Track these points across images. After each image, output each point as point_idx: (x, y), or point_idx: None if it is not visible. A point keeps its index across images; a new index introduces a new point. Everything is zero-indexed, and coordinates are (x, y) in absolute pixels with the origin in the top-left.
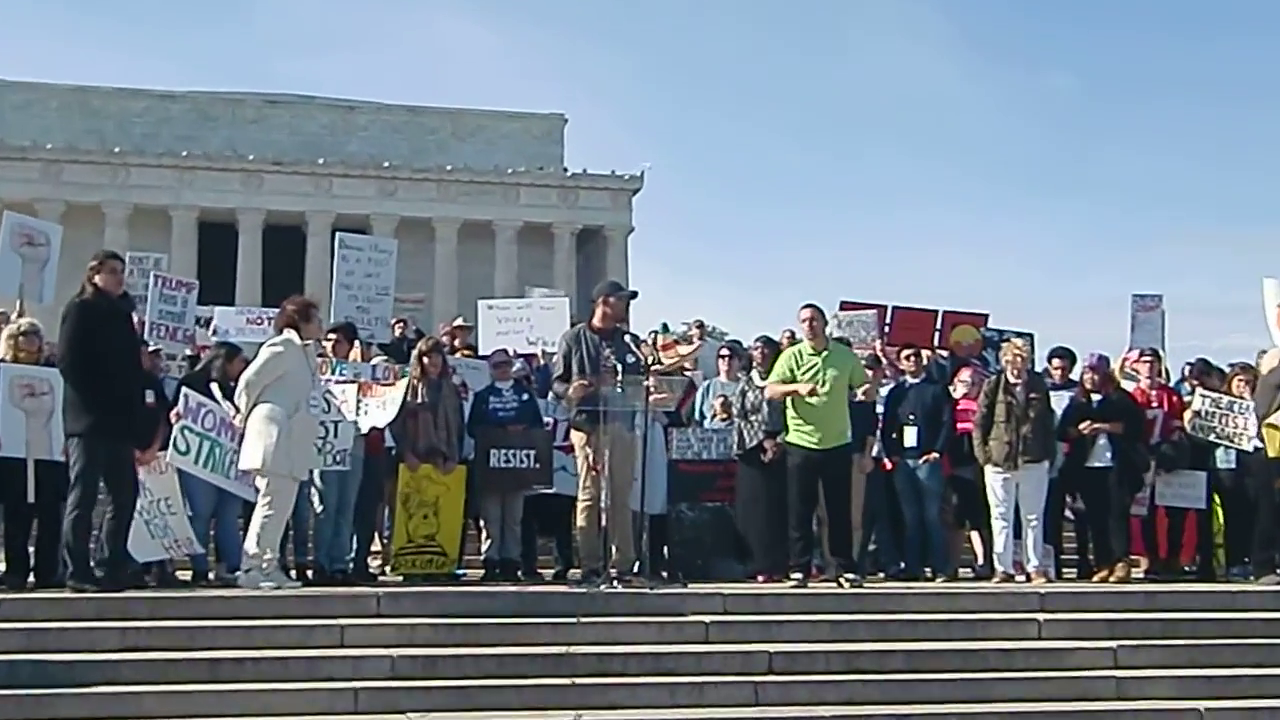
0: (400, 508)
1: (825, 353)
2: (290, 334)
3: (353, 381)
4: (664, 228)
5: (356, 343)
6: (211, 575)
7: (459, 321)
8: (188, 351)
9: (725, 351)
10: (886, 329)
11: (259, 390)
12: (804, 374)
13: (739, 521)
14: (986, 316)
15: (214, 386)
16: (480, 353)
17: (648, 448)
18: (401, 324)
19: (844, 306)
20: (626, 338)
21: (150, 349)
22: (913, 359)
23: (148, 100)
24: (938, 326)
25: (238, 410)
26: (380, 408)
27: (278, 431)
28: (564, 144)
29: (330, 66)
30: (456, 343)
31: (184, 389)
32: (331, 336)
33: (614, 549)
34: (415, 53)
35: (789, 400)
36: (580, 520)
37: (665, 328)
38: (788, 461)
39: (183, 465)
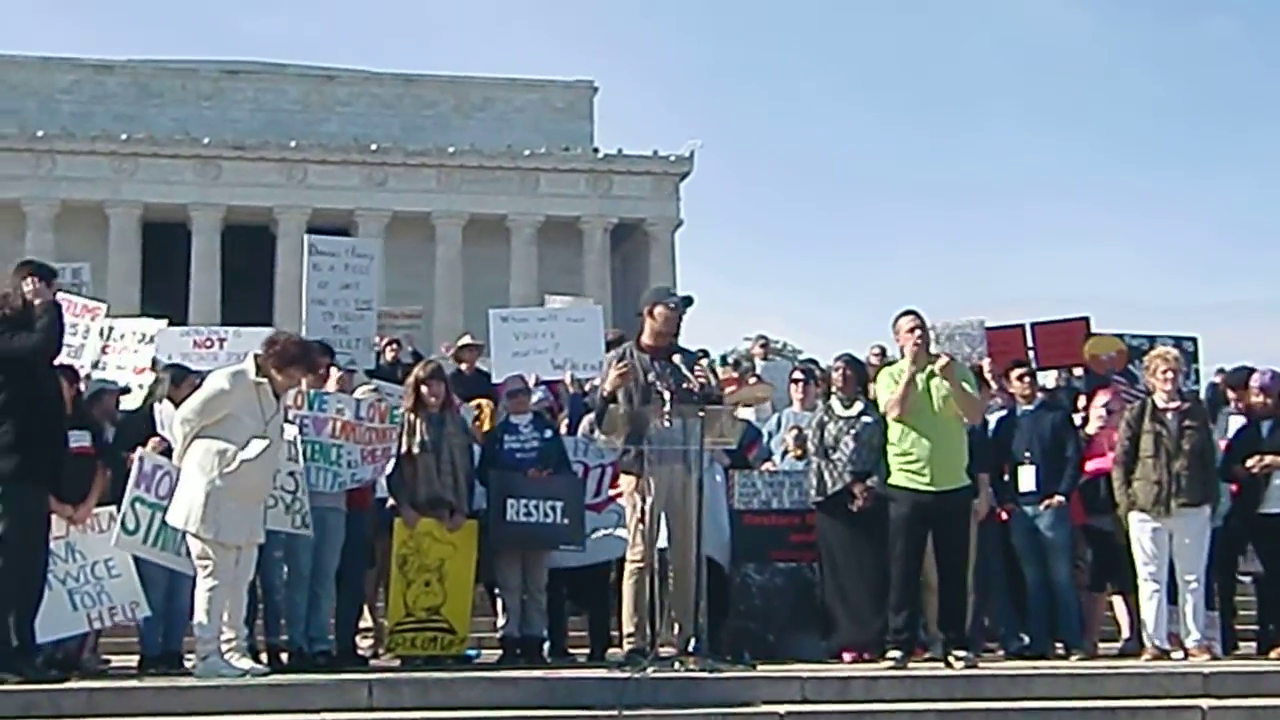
0: (396, 573)
1: (931, 371)
2: (248, 365)
3: (332, 418)
4: (718, 222)
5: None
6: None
7: (465, 340)
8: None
9: (799, 374)
10: (1031, 350)
11: (197, 428)
12: (917, 401)
13: (820, 586)
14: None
15: (159, 416)
16: (493, 379)
17: (704, 494)
18: (394, 345)
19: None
20: (679, 359)
21: (95, 387)
22: (1025, 379)
23: (78, 72)
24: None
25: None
26: (366, 458)
27: (207, 485)
28: (594, 119)
29: (304, 27)
30: (463, 366)
31: (139, 451)
32: None
33: (667, 622)
34: (408, 9)
35: (894, 429)
36: (627, 585)
37: (723, 360)
38: (891, 510)
39: (130, 548)
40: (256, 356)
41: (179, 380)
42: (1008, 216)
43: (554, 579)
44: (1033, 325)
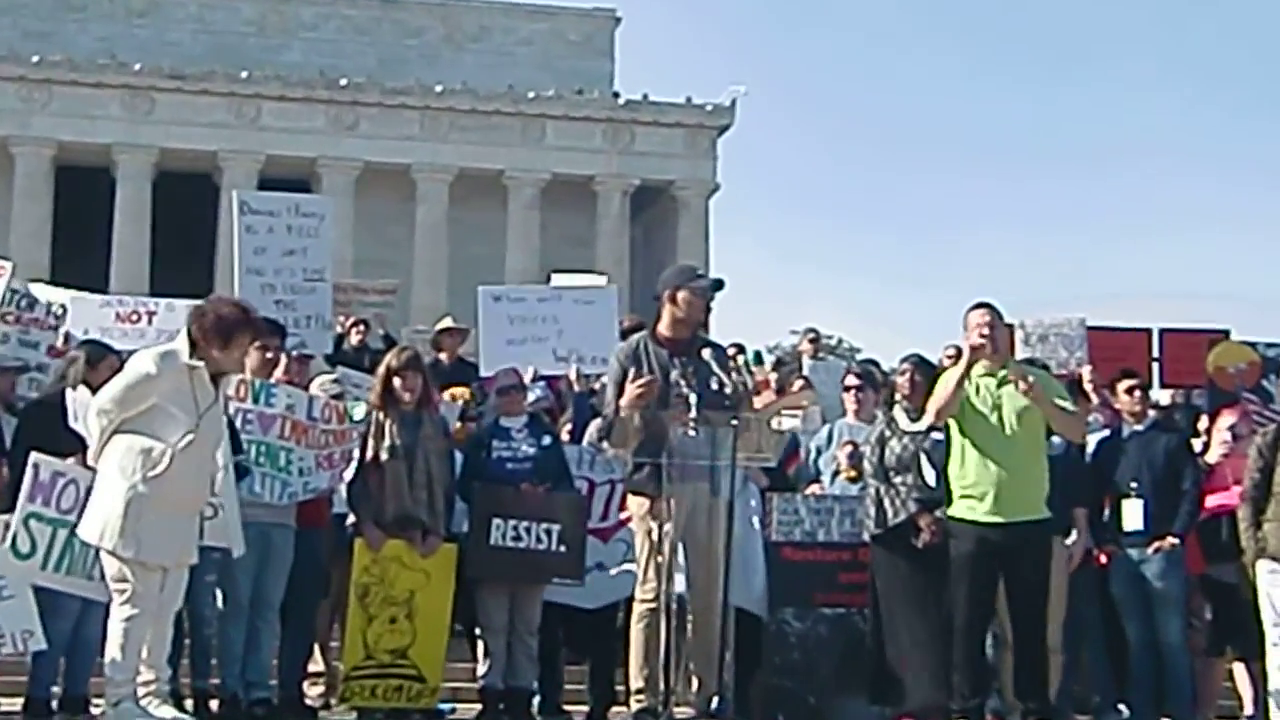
0: (356, 606)
1: (1004, 375)
2: (180, 346)
3: (281, 415)
4: (762, 188)
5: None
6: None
7: (446, 322)
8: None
9: (853, 380)
10: (1155, 362)
11: (117, 421)
12: (979, 409)
13: (875, 638)
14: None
15: (71, 405)
16: (482, 372)
17: (734, 522)
18: (362, 326)
19: (1092, 331)
20: (707, 353)
21: None
22: (1135, 393)
23: None
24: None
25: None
26: (321, 464)
27: (128, 491)
28: (615, 57)
29: None
30: (443, 355)
31: (33, 456)
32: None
33: (684, 677)
34: None
35: (954, 447)
36: (635, 631)
37: (757, 357)
38: (952, 548)
39: (25, 576)
40: (190, 333)
41: (95, 361)
42: (1118, 191)
43: (549, 619)
44: (1162, 332)
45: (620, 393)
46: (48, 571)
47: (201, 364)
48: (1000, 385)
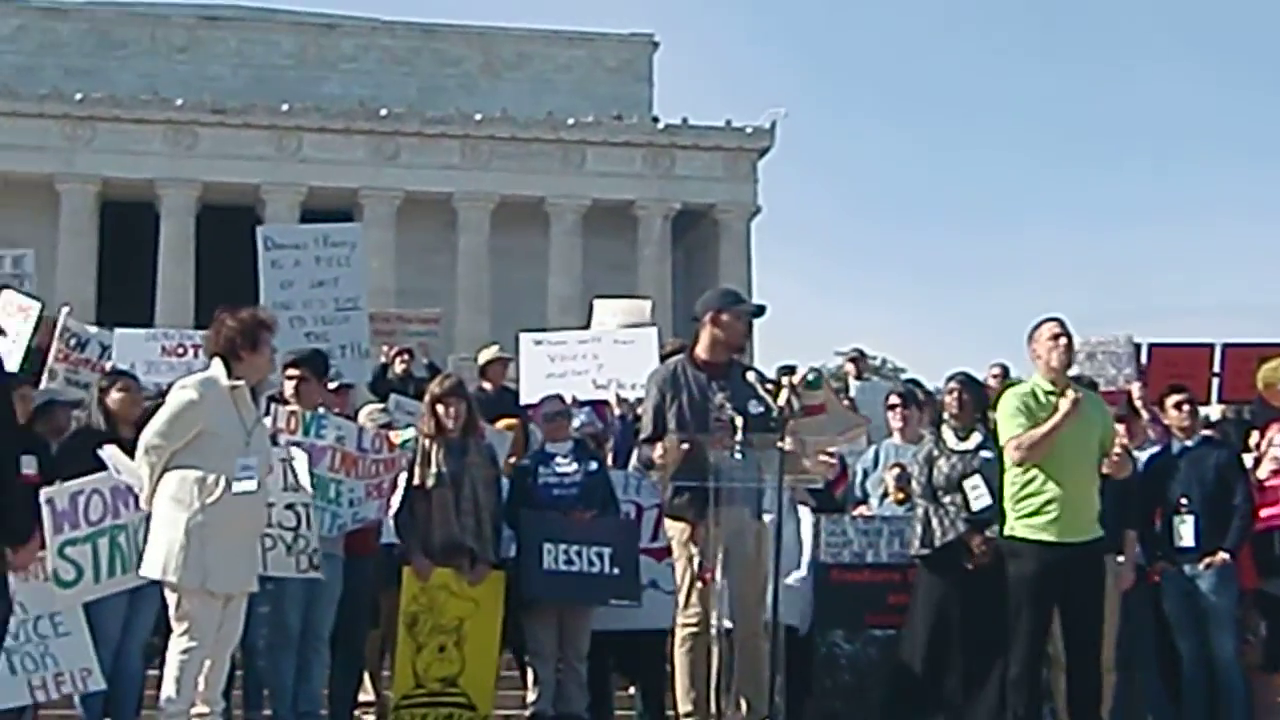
0: (405, 635)
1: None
2: (216, 370)
3: (332, 447)
4: (804, 212)
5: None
6: None
7: (492, 352)
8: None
9: (896, 398)
10: (1216, 378)
11: (167, 456)
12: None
13: (922, 659)
14: None
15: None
16: (524, 400)
17: (783, 544)
18: (406, 355)
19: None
20: (749, 376)
21: (43, 398)
22: (1184, 408)
23: (23, 15)
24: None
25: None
26: (370, 493)
27: (188, 522)
28: (653, 82)
29: None
30: (487, 385)
31: (43, 493)
32: (293, 374)
33: (734, 700)
34: None
35: (1012, 468)
36: (680, 656)
37: (816, 379)
38: (1011, 568)
39: (77, 600)
40: (218, 352)
41: (125, 388)
42: (1170, 187)
43: (598, 644)
44: (1225, 346)
45: (657, 418)
46: (101, 583)
47: (242, 382)
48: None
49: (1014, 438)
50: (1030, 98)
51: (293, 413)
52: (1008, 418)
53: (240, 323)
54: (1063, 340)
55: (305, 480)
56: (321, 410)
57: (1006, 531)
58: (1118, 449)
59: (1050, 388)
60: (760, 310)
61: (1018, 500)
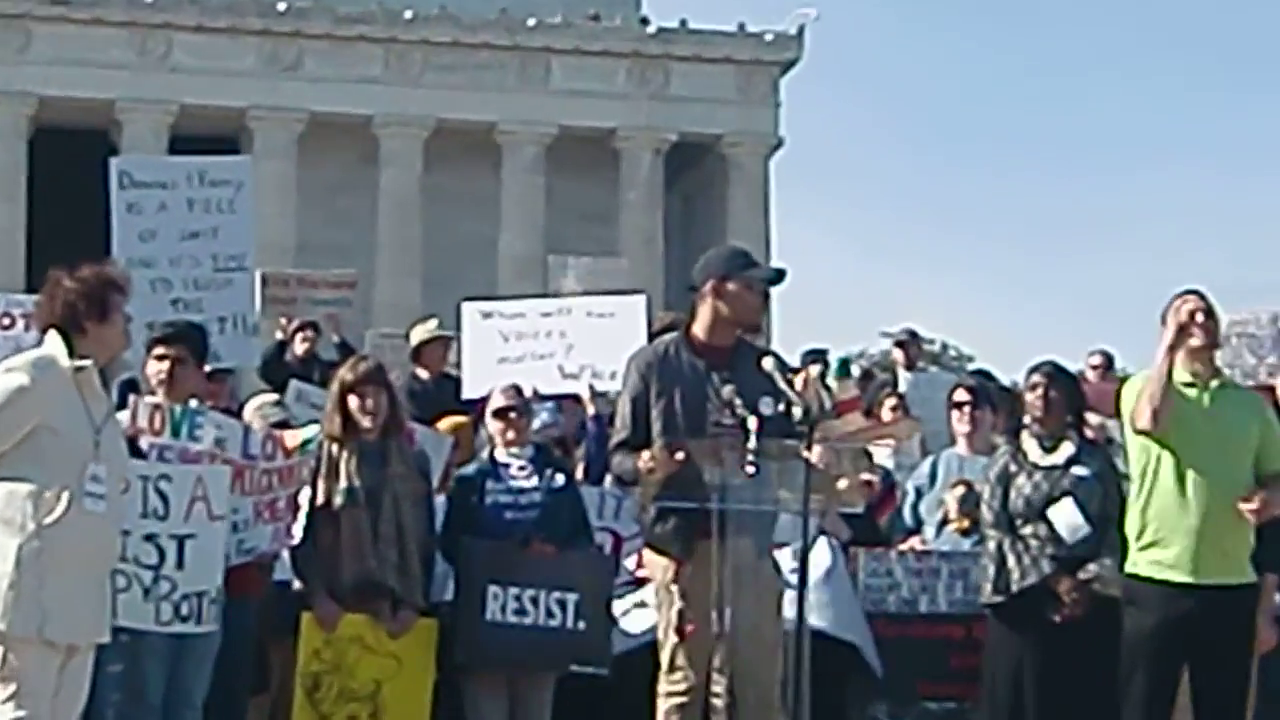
0: (303, 702)
1: (1216, 387)
2: (53, 347)
3: (209, 452)
4: (839, 147)
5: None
6: None
7: (430, 328)
8: None
9: (964, 395)
10: None
11: None
12: (1181, 429)
13: None
14: None
15: None
16: (464, 394)
17: (807, 587)
18: (310, 331)
19: None
20: (767, 363)
21: None
22: None
23: None
24: None
25: None
26: (262, 514)
27: (19, 548)
28: None
29: None
30: (423, 371)
31: None
32: (162, 354)
33: None
34: None
35: (1136, 481)
36: None
37: (843, 368)
38: (1127, 619)
39: None
40: (55, 324)
41: None
42: None
43: (560, 708)
44: None
45: (636, 417)
46: None
47: (89, 362)
48: (1213, 401)
49: (1134, 411)
50: None
51: (157, 407)
52: (1130, 399)
53: (82, 284)
54: (1206, 322)
55: (221, 505)
56: (195, 403)
57: (1127, 568)
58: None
59: (1189, 379)
60: (779, 276)
61: (1140, 528)
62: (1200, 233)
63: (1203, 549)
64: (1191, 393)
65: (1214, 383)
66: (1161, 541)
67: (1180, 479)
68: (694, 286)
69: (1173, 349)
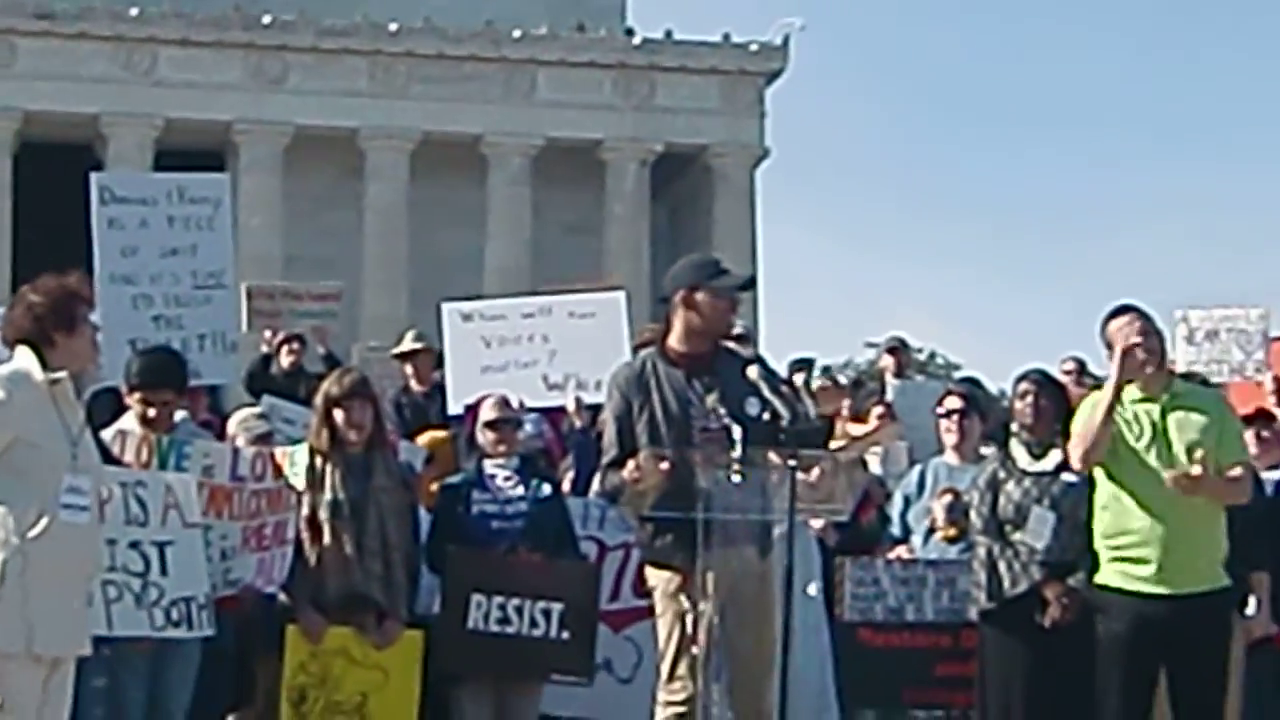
0: (288, 713)
1: (1168, 399)
2: (25, 361)
3: (199, 482)
4: (824, 156)
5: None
6: None
7: (409, 339)
8: None
9: (953, 403)
10: None
11: None
12: (1133, 444)
13: None
14: None
15: None
16: (450, 408)
17: (794, 595)
18: (295, 344)
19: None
20: (752, 371)
21: None
22: None
23: None
24: None
25: None
26: (249, 541)
27: (1, 567)
28: None
29: None
30: (416, 384)
31: None
32: (142, 399)
33: None
34: None
35: (1101, 494)
36: None
37: (826, 371)
38: (1100, 627)
39: None
40: (22, 341)
41: None
42: None
43: None
44: None
45: (620, 432)
46: None
47: (64, 374)
48: (1164, 413)
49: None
50: None
51: (145, 439)
52: (1077, 424)
53: (48, 297)
54: (1147, 339)
55: (192, 513)
56: (181, 418)
57: (1097, 579)
58: (1236, 469)
59: (1138, 393)
60: (748, 283)
61: (1108, 539)
62: (1196, 233)
63: (1170, 559)
64: (1144, 408)
65: (1164, 395)
66: (1129, 553)
67: (1142, 492)
68: (665, 298)
69: (1119, 386)
